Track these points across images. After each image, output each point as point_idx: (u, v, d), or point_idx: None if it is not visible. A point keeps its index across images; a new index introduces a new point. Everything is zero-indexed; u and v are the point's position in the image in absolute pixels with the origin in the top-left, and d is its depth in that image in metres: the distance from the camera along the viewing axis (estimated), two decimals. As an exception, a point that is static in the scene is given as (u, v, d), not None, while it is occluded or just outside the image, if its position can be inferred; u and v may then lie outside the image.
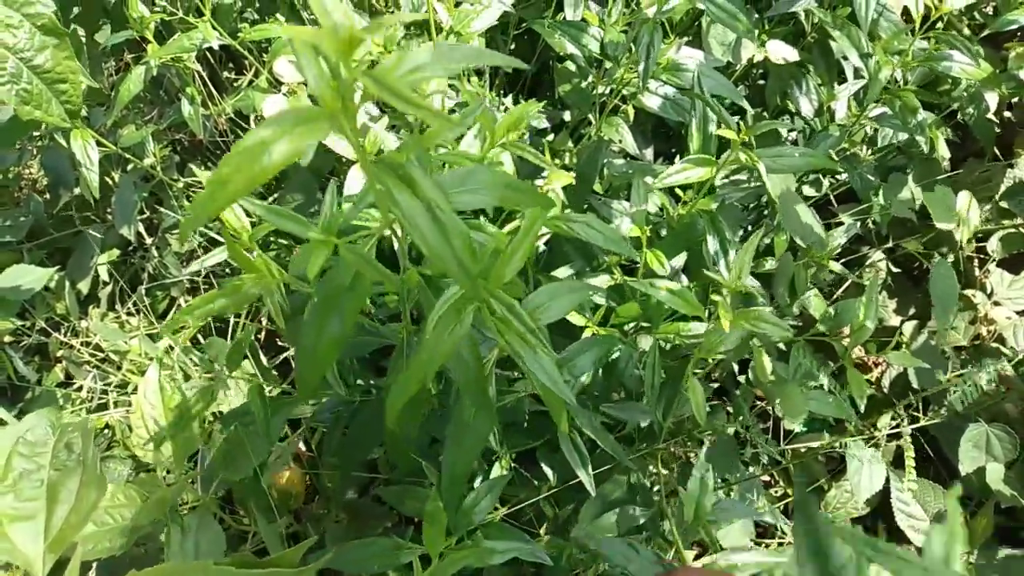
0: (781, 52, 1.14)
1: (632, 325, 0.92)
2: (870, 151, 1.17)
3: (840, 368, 0.98)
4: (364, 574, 0.68)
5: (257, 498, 1.06)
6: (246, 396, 0.81)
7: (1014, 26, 1.03)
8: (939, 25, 0.99)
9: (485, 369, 0.53)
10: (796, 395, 0.87)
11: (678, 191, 0.97)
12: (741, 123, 0.75)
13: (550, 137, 1.19)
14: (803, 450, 1.27)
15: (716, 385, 1.23)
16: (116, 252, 1.38)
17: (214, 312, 0.46)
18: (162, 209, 1.34)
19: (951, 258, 1.41)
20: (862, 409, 0.88)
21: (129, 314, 1.42)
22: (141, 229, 1.40)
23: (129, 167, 1.41)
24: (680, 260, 0.95)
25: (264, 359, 1.25)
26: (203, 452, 1.04)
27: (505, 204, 0.45)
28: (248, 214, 0.63)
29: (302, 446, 1.37)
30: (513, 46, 1.33)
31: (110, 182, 1.44)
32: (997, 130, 1.20)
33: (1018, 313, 1.38)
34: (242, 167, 0.29)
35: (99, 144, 1.01)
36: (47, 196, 1.47)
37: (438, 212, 0.36)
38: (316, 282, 0.47)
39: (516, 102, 1.21)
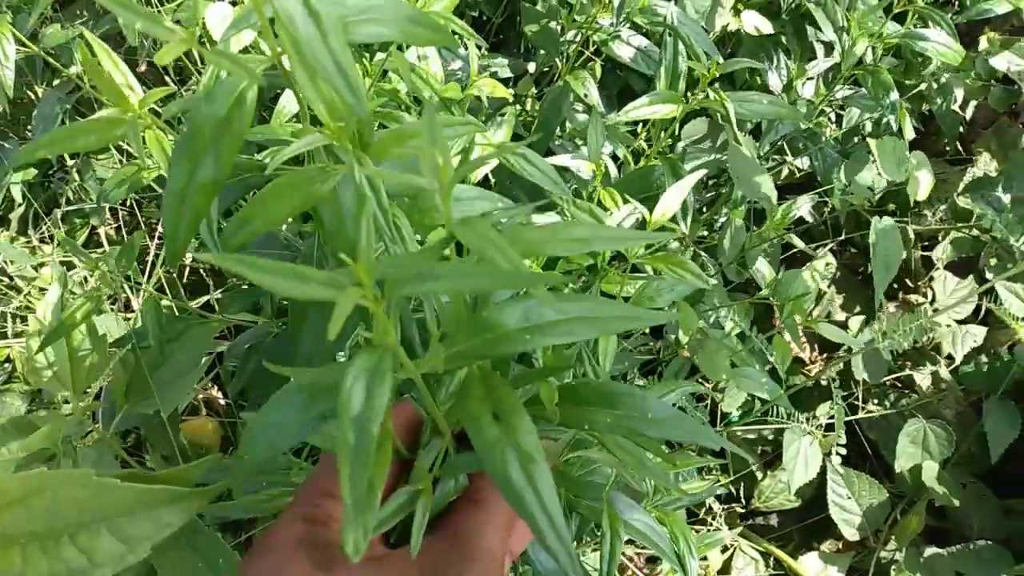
0: (756, 22, 1.10)
1: (580, 278, 0.87)
2: (834, 131, 1.14)
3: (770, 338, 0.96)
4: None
5: (165, 442, 0.98)
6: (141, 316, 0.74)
7: (989, 15, 1.01)
8: (908, 8, 0.97)
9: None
10: (719, 353, 0.84)
11: (641, 144, 0.92)
12: (713, 61, 0.71)
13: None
14: (740, 435, 1.24)
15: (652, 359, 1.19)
16: (33, 172, 1.28)
17: (73, 148, 0.39)
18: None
19: (904, 255, 1.40)
20: (784, 374, 0.85)
21: (43, 241, 1.32)
22: (63, 149, 1.29)
23: (56, 82, 1.30)
24: (633, 218, 0.91)
25: (184, 293, 1.16)
26: (107, 385, 0.96)
27: (408, 39, 0.39)
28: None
29: (219, 394, 1.29)
30: (481, -5, 1.27)
31: (33, 96, 1.34)
32: (961, 127, 1.19)
33: (957, 322, 1.39)
34: None
35: (20, 44, 0.92)
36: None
37: (315, 4, 0.30)
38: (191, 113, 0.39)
39: (479, 47, 1.15)
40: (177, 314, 0.93)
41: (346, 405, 0.29)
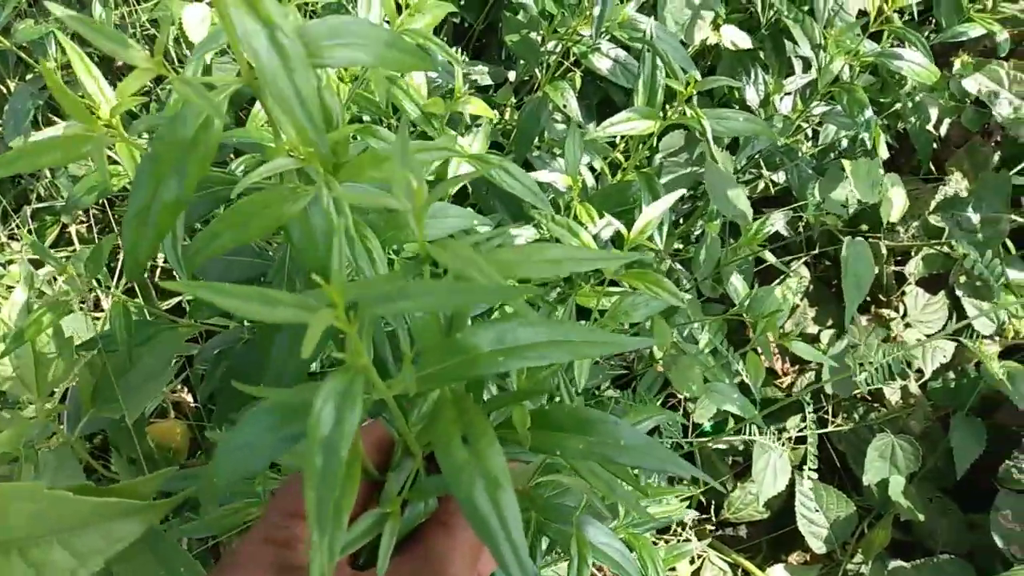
0: (734, 37, 1.11)
1: (555, 292, 0.87)
2: (810, 147, 1.15)
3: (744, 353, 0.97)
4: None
5: (131, 447, 0.97)
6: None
7: (963, 37, 1.02)
8: (884, 29, 0.99)
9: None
10: (691, 369, 0.85)
11: (620, 158, 0.92)
12: (690, 76, 0.71)
13: (492, 96, 1.13)
14: (711, 446, 1.25)
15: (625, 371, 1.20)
16: (2, 167, 1.25)
17: (37, 165, 0.38)
18: (60, 122, 1.22)
19: (875, 271, 1.42)
20: (757, 391, 0.86)
21: (12, 237, 1.29)
22: (33, 144, 1.27)
23: (28, 76, 1.28)
24: (609, 231, 0.91)
25: (155, 297, 1.15)
26: (73, 388, 0.94)
27: (385, 64, 0.38)
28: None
29: (188, 397, 1.27)
30: (463, 2, 1.27)
31: (4, 91, 1.31)
32: (934, 145, 1.21)
33: (928, 336, 1.40)
34: None
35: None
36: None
37: (279, 35, 0.30)
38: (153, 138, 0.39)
39: (461, 54, 1.15)
40: (148, 317, 0.92)
41: (315, 428, 0.29)
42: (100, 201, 1.27)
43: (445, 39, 1.30)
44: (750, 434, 1.00)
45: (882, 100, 1.20)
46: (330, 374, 0.30)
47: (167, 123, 0.40)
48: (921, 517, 1.16)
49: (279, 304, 0.29)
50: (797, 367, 1.53)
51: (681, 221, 1.23)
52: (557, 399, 0.74)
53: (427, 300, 0.30)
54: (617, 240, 0.95)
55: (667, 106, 0.79)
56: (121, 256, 1.20)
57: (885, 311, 1.57)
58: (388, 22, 0.62)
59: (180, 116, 0.38)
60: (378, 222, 0.58)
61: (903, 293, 1.48)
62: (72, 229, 1.31)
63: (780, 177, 1.23)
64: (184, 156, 0.38)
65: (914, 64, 0.95)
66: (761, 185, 1.28)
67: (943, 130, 1.26)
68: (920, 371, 1.36)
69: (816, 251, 1.35)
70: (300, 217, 0.45)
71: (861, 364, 0.92)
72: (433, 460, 0.38)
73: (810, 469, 0.99)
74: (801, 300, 1.47)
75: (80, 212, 1.31)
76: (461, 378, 0.34)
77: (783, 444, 1.17)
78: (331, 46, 0.40)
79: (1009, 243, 1.26)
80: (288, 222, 0.44)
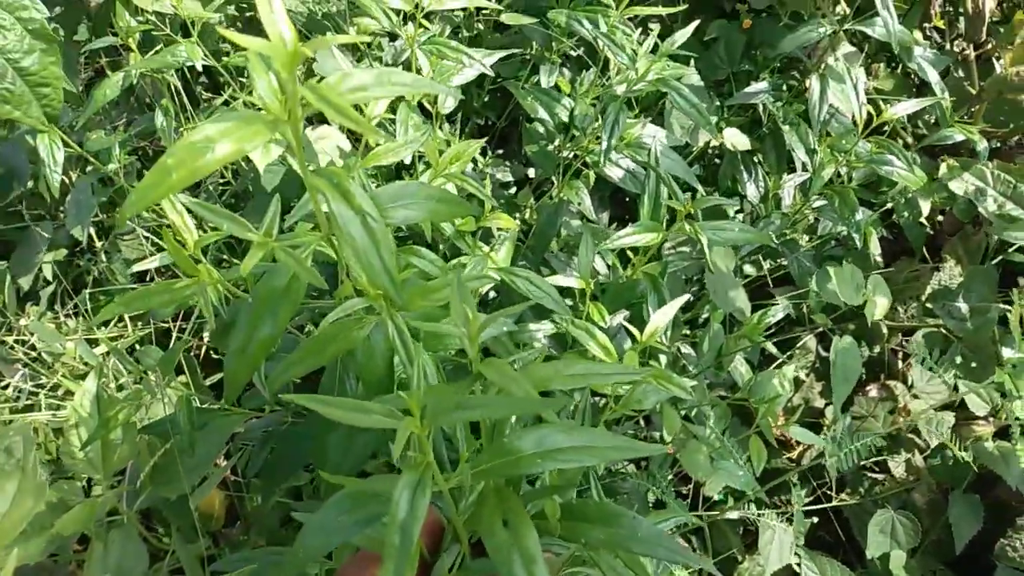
0: (735, 139, 1.21)
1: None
2: (810, 239, 1.23)
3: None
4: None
5: (181, 518, 1.05)
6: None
7: (949, 141, 1.11)
8: (885, 130, 1.07)
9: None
10: (699, 452, 0.92)
11: (629, 253, 1.01)
12: (689, 197, 0.80)
13: (513, 191, 1.23)
14: (720, 518, 1.31)
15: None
16: (63, 252, 1.37)
17: (147, 307, 0.48)
18: (116, 214, 1.34)
19: (877, 350, 1.49)
20: (758, 472, 0.93)
21: (68, 316, 1.40)
22: (92, 232, 1.39)
23: (88, 168, 1.40)
24: (620, 318, 0.99)
25: (201, 377, 1.24)
26: (132, 466, 1.03)
27: (435, 217, 0.48)
28: (199, 225, 0.65)
29: (228, 469, 1.35)
30: (487, 99, 1.38)
31: (67, 180, 1.43)
32: (929, 231, 1.29)
33: (935, 409, 1.46)
34: (186, 160, 0.31)
35: (64, 144, 1.02)
36: (-2, 187, 1.44)
37: (371, 222, 0.39)
38: (252, 286, 0.49)
39: (484, 154, 1.25)
40: (198, 403, 1.01)
41: (394, 512, 0.36)
42: (152, 281, 1.37)
43: (467, 135, 1.41)
44: (751, 512, 1.06)
45: (877, 195, 1.29)
46: (404, 469, 0.37)
47: (264, 275, 0.50)
48: (923, 590, 1.20)
49: (372, 412, 0.38)
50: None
51: (688, 308, 1.32)
52: (583, 487, 0.82)
53: (482, 411, 0.39)
54: (629, 331, 1.04)
55: (671, 216, 0.88)
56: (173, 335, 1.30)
57: (891, 382, 1.63)
58: (429, 164, 0.72)
59: (276, 270, 0.47)
60: (424, 334, 0.67)
61: (909, 364, 1.54)
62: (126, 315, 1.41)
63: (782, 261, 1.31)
64: (278, 303, 0.47)
65: (901, 170, 1.04)
66: (766, 265, 1.36)
67: (939, 217, 1.34)
68: (927, 443, 1.41)
69: (820, 328, 1.42)
70: (364, 342, 0.54)
71: (839, 443, 0.98)
72: (478, 546, 0.46)
73: (797, 545, 1.05)
74: (808, 376, 1.53)
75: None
76: (507, 475, 0.42)
77: (789, 517, 1.23)
78: (393, 208, 0.50)
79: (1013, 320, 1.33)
80: (355, 347, 0.54)
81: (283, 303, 0.50)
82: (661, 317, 0.81)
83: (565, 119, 1.00)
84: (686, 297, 0.84)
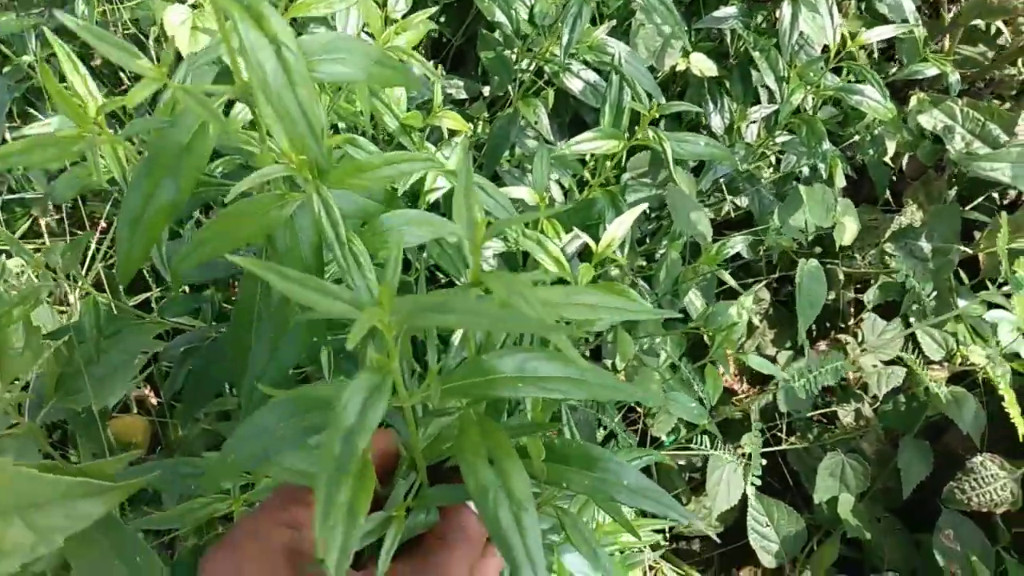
0: (702, 65, 1.15)
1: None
2: (772, 172, 1.19)
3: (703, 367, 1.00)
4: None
5: (90, 436, 0.97)
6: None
7: (919, 76, 1.07)
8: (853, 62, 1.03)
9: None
10: (651, 380, 0.87)
11: (587, 175, 0.95)
12: (654, 103, 0.75)
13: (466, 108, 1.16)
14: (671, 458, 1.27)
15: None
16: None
17: (29, 163, 0.40)
18: (39, 116, 1.23)
19: (832, 295, 1.46)
20: (712, 403, 0.89)
21: (-20, 228, 1.29)
22: (8, 136, 1.27)
23: (6, 69, 1.28)
24: (576, 244, 0.94)
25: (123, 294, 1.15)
26: (36, 377, 0.95)
27: (373, 80, 0.41)
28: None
29: (151, 394, 1.27)
30: (443, 18, 1.30)
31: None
32: (892, 177, 1.26)
33: (884, 362, 1.45)
34: None
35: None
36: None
37: (286, 53, 0.32)
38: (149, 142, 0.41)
39: (437, 68, 1.17)
40: (114, 311, 0.93)
41: (339, 418, 0.29)
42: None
43: (424, 52, 1.33)
44: (702, 445, 1.03)
45: (843, 132, 1.25)
46: (360, 372, 0.30)
47: (164, 128, 0.42)
48: (868, 535, 1.19)
49: (335, 297, 0.31)
50: (757, 388, 1.57)
51: (647, 240, 1.27)
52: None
53: (471, 319, 0.31)
54: (584, 254, 0.98)
55: (634, 127, 0.82)
56: (90, 250, 1.21)
57: (843, 336, 1.62)
58: (372, 36, 0.64)
59: (177, 122, 0.40)
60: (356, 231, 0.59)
61: (861, 320, 1.53)
62: (42, 222, 1.31)
63: (743, 201, 1.27)
64: (179, 161, 0.40)
65: (872, 100, 0.99)
66: (725, 208, 1.32)
67: (905, 161, 1.31)
68: (875, 396, 1.40)
69: (777, 275, 1.39)
70: (286, 224, 0.46)
71: (800, 373, 0.95)
72: (434, 474, 0.40)
73: (755, 476, 1.02)
74: (761, 322, 1.51)
75: (51, 206, 1.31)
76: (480, 396, 0.36)
77: (738, 460, 1.20)
78: (324, 61, 0.42)
79: (963, 275, 1.31)
80: (274, 229, 0.46)
81: (186, 162, 0.43)
82: (618, 226, 0.75)
83: (524, 18, 0.93)
84: (643, 207, 0.79)
